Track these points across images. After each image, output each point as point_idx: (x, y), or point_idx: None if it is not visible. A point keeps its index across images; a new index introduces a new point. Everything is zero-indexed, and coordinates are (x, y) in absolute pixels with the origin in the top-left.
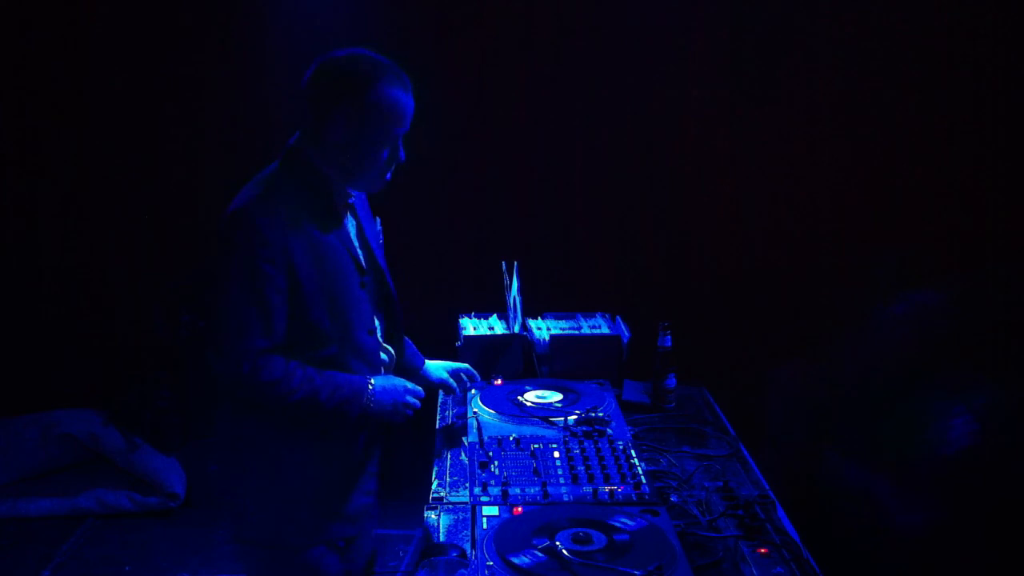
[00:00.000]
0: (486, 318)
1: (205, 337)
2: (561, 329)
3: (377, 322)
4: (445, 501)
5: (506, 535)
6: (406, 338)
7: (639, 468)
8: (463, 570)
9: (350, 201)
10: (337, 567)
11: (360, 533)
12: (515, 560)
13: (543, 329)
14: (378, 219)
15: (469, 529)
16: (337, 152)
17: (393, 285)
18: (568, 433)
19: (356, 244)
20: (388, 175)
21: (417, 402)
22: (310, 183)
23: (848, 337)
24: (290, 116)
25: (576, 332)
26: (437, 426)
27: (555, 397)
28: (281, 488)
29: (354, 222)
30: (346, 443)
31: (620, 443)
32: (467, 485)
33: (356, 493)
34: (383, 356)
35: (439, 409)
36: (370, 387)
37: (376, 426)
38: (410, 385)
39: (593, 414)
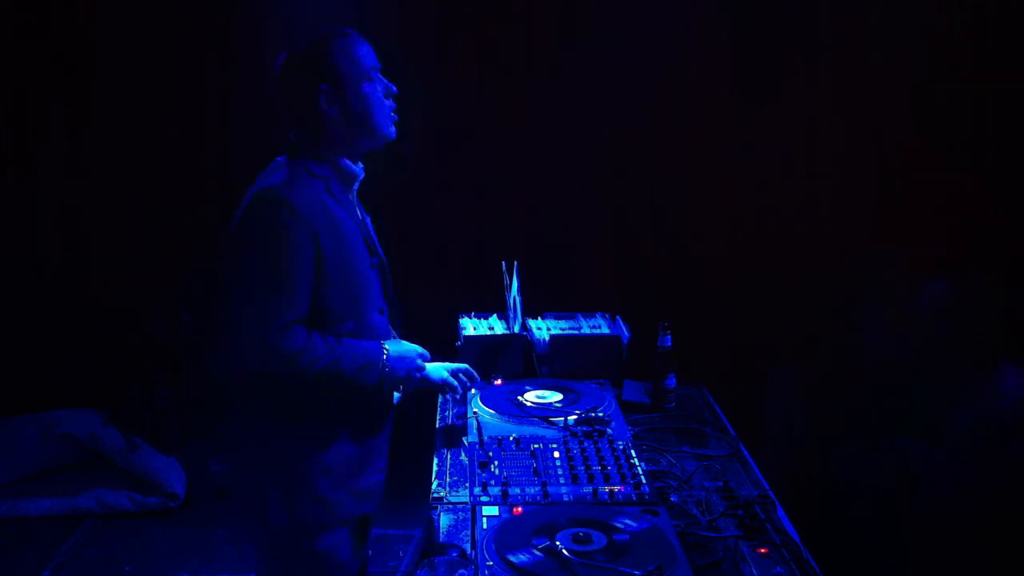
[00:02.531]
0: (486, 318)
1: (212, 327)
2: (561, 329)
3: (385, 305)
4: (445, 501)
5: (506, 535)
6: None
7: (639, 468)
8: (463, 570)
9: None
10: (347, 552)
11: (371, 513)
12: (513, 559)
13: (543, 329)
14: (368, 217)
15: (469, 529)
16: (334, 128)
17: (390, 276)
18: (568, 433)
19: (368, 227)
20: (394, 115)
21: (424, 366)
22: (319, 167)
23: (850, 331)
24: None
25: (576, 332)
26: (437, 426)
27: (555, 397)
28: (305, 473)
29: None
30: (367, 422)
31: (620, 443)
32: (467, 485)
33: (370, 470)
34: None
35: (439, 409)
36: (385, 353)
37: (386, 402)
38: (419, 349)
39: (593, 414)
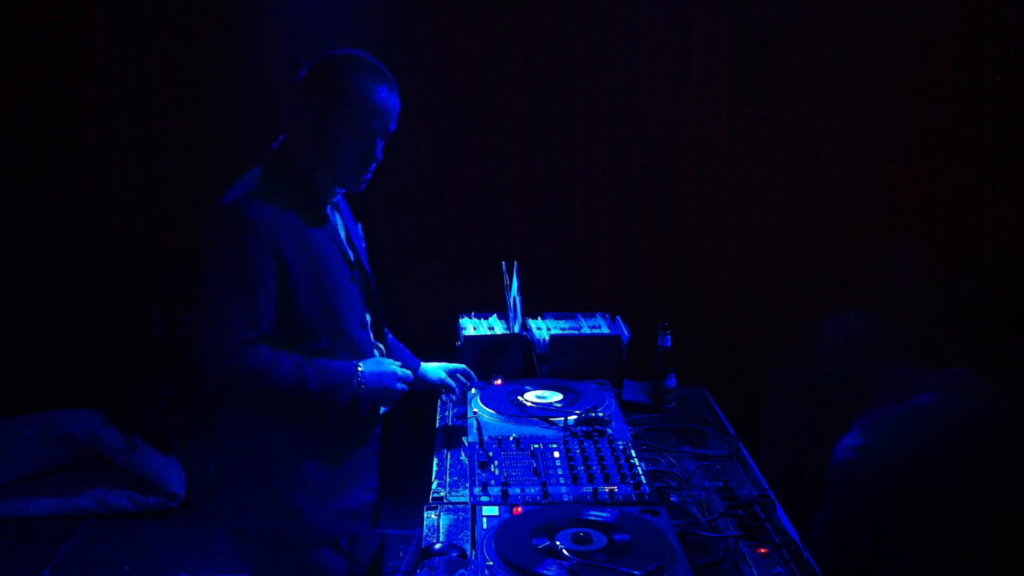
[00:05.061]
0: (486, 318)
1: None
2: (561, 329)
3: (368, 317)
4: (445, 501)
5: (506, 535)
6: (400, 342)
7: (639, 468)
8: (463, 570)
9: (336, 200)
10: (342, 567)
11: (363, 531)
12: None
13: (543, 329)
14: (360, 224)
15: (469, 529)
16: (311, 143)
17: (375, 286)
18: (568, 433)
19: (344, 241)
20: (367, 175)
21: (405, 386)
22: (293, 181)
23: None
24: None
25: (576, 332)
26: (437, 426)
27: (555, 397)
28: (283, 485)
29: (341, 222)
30: (348, 439)
31: (620, 443)
32: (467, 485)
33: (358, 489)
34: (375, 352)
35: (439, 409)
36: (359, 371)
37: (376, 421)
38: (399, 371)
39: (593, 414)
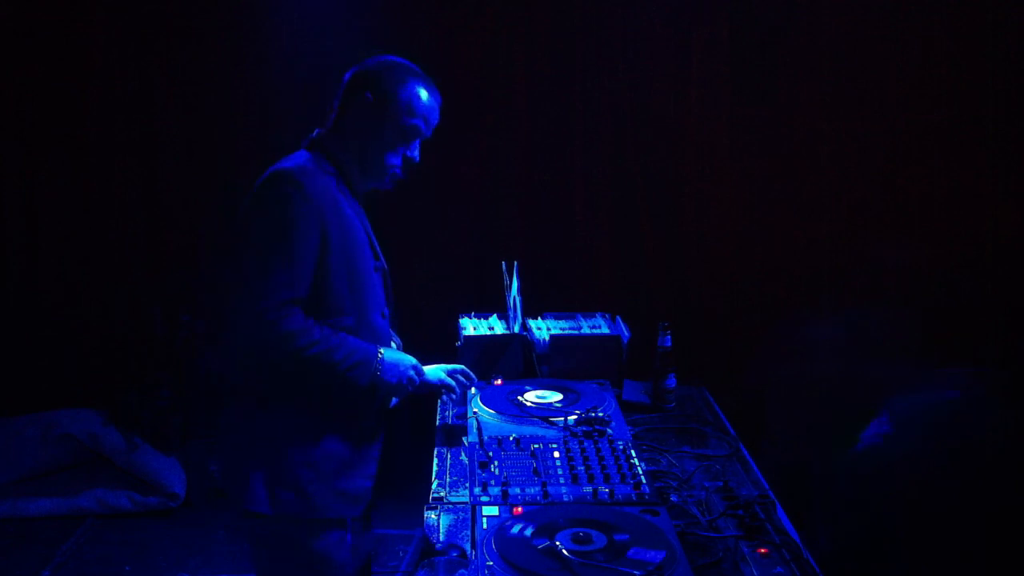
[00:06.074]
0: (486, 318)
1: (219, 310)
2: (561, 329)
3: (388, 308)
4: (445, 501)
5: (506, 535)
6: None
7: (639, 468)
8: (463, 570)
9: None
10: (344, 555)
11: (361, 518)
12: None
13: (543, 329)
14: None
15: (469, 529)
16: (356, 142)
17: (391, 283)
18: (568, 433)
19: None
20: (402, 174)
21: (418, 379)
22: (333, 170)
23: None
24: (289, 116)
25: (576, 332)
26: (437, 426)
27: (555, 397)
28: (288, 466)
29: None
30: (355, 427)
31: (620, 443)
32: (467, 485)
33: (358, 475)
34: (392, 344)
35: (439, 409)
36: (380, 354)
37: (380, 410)
38: (415, 362)
39: (593, 414)
